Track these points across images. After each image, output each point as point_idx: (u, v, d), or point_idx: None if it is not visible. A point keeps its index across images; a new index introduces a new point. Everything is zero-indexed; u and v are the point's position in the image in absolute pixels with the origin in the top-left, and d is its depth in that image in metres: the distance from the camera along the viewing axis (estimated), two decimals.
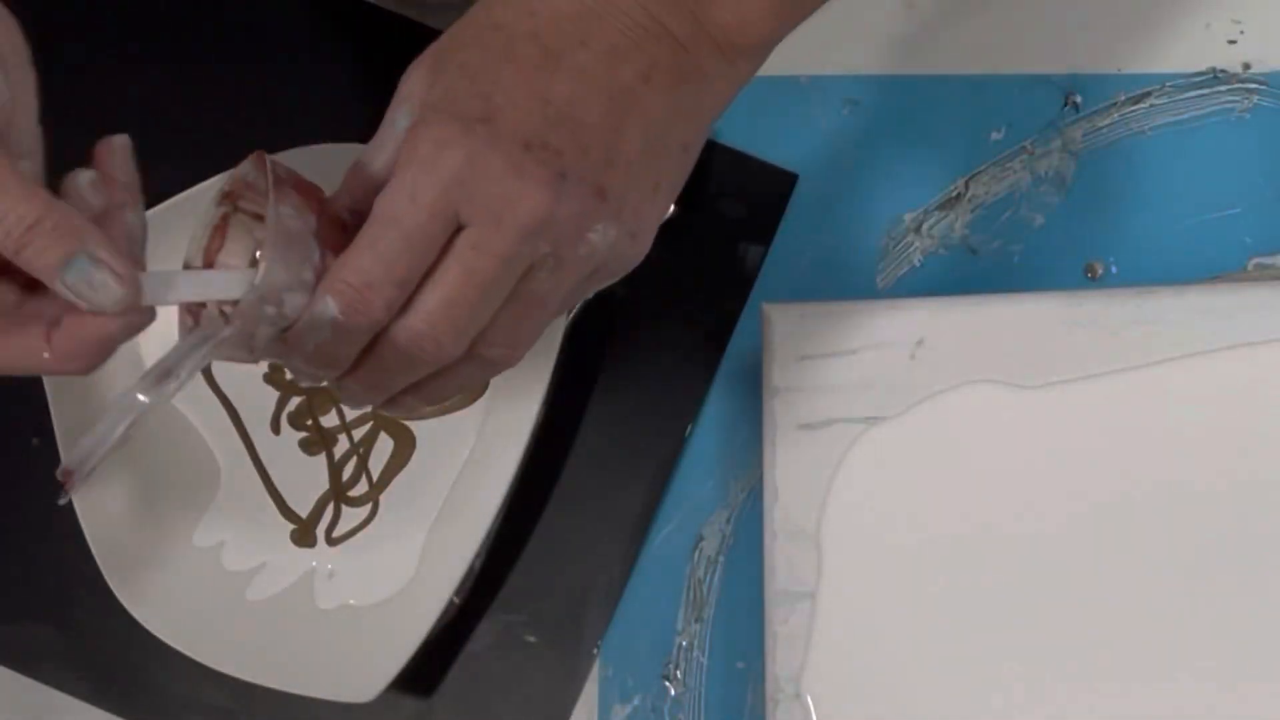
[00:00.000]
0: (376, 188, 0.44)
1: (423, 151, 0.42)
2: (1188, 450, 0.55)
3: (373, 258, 0.42)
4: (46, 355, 0.40)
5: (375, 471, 0.66)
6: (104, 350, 0.41)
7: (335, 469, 0.66)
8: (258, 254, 0.45)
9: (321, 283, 0.43)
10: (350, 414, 0.66)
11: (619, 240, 0.45)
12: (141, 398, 0.43)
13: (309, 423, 0.66)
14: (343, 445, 0.66)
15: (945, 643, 0.56)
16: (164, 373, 0.44)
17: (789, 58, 0.67)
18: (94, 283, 0.40)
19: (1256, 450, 0.55)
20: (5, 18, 0.43)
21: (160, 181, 0.64)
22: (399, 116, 0.45)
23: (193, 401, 0.66)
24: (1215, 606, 0.54)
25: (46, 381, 0.63)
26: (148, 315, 0.42)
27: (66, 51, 0.71)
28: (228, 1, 0.72)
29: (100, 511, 0.63)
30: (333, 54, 0.70)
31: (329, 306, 0.43)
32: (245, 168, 0.45)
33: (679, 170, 0.47)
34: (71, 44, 0.71)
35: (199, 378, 0.66)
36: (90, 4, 0.72)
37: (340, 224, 0.45)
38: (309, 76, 0.69)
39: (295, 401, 0.66)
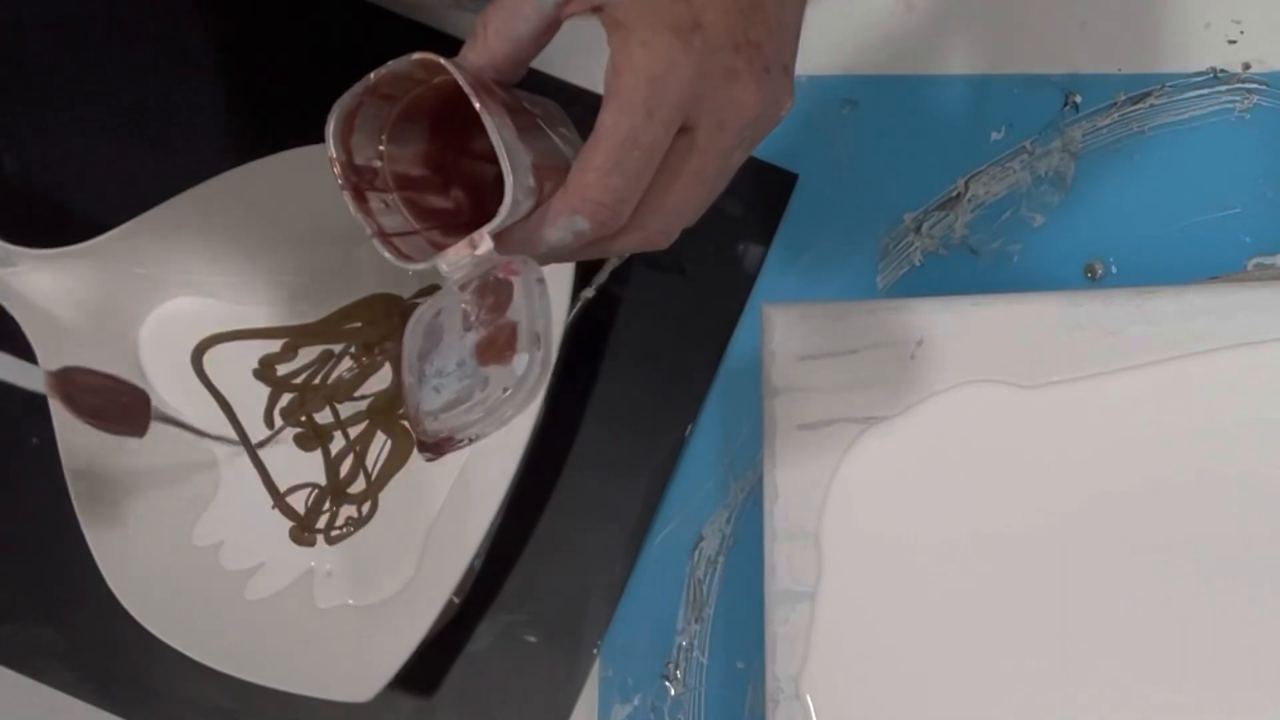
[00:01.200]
0: (518, 60, 0.46)
1: (648, 67, 0.43)
2: (1187, 450, 0.55)
3: (622, 178, 0.44)
4: None
5: (373, 469, 0.66)
6: None
7: (331, 465, 0.66)
8: (383, 135, 0.46)
9: (569, 200, 0.44)
10: (345, 412, 0.66)
11: (792, 103, 0.48)
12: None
13: (302, 419, 0.66)
14: (338, 441, 0.66)
15: (945, 642, 0.56)
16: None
17: None
18: None
19: (1256, 450, 0.55)
20: None
21: (160, 181, 0.64)
22: None
23: (190, 401, 0.66)
24: (1215, 605, 0.54)
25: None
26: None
27: (66, 52, 0.71)
28: (227, 2, 0.72)
29: (99, 512, 0.63)
30: (332, 54, 0.70)
31: (578, 222, 0.44)
32: (403, 63, 0.45)
33: (803, 13, 0.50)
34: (71, 44, 0.72)
35: (180, 372, 0.66)
36: (90, 4, 0.72)
37: (510, 107, 0.45)
38: (309, 76, 0.69)
39: (287, 398, 0.66)
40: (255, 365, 0.66)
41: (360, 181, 0.46)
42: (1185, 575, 0.55)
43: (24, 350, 0.63)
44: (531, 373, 0.43)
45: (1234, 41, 0.64)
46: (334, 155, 0.46)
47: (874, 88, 0.66)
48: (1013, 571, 0.56)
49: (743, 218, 0.66)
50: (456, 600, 0.63)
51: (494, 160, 0.44)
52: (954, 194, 0.65)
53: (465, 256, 0.45)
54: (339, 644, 0.63)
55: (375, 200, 0.47)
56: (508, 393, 0.44)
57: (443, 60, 0.44)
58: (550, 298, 0.44)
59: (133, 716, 0.66)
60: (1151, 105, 0.64)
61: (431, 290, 0.66)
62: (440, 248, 0.46)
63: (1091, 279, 0.63)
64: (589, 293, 0.64)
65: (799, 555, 0.57)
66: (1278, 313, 0.56)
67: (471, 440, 0.45)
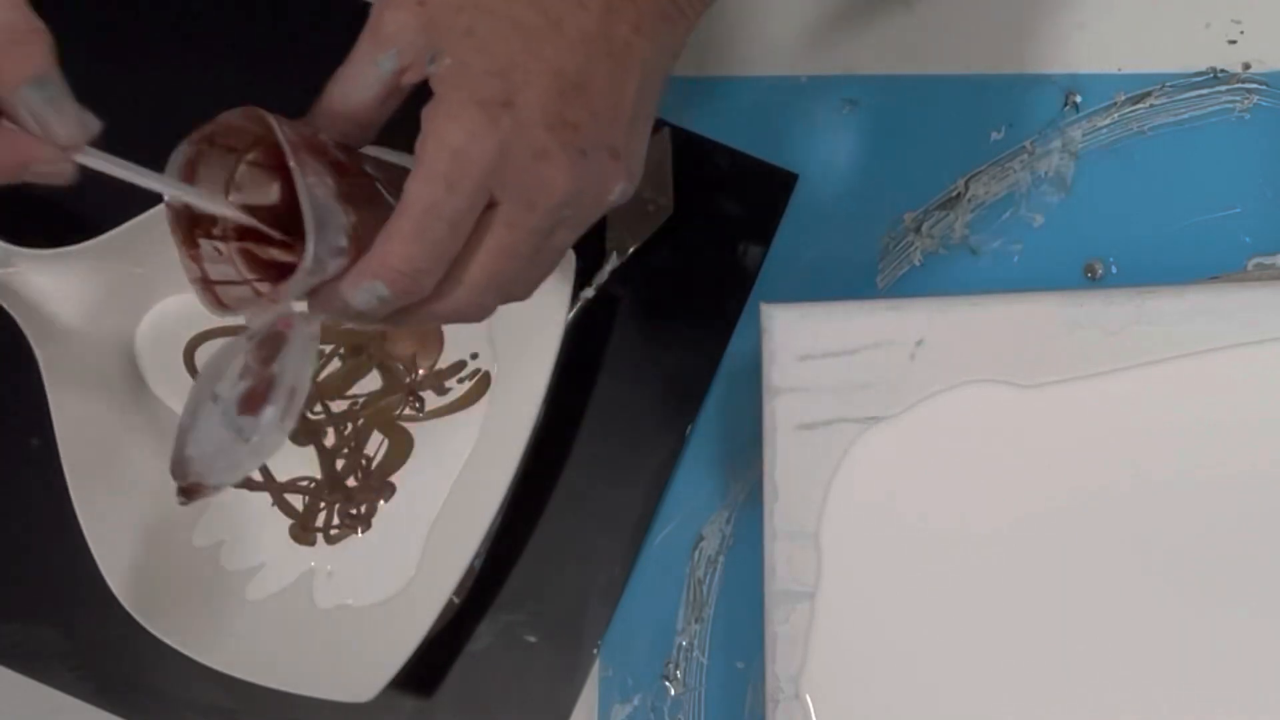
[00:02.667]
0: (361, 123, 0.47)
1: (454, 141, 0.44)
2: (1187, 450, 0.55)
3: (421, 247, 0.44)
4: None
5: (372, 467, 0.66)
6: (17, 168, 0.42)
7: (327, 459, 0.66)
8: (230, 186, 0.46)
9: (370, 266, 0.44)
10: (339, 406, 0.66)
11: (627, 188, 0.48)
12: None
13: None
14: (331, 437, 0.66)
15: (945, 643, 0.56)
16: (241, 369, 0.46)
17: (789, 58, 0.67)
18: (58, 109, 0.42)
19: (1257, 449, 0.55)
20: None
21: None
22: (382, 58, 0.46)
23: (185, 398, 0.66)
24: (1216, 605, 0.54)
25: (47, 382, 0.63)
26: (70, 171, 0.43)
27: (64, 52, 0.71)
28: (226, 2, 0.72)
29: (100, 511, 0.63)
30: (333, 54, 0.70)
31: (379, 288, 0.45)
32: (232, 116, 0.45)
33: (659, 99, 0.50)
34: (70, 44, 0.71)
35: (178, 371, 0.67)
36: (90, 4, 0.72)
37: (340, 167, 0.46)
38: (309, 77, 0.69)
39: None
40: None
41: (195, 228, 0.46)
42: (1185, 575, 0.55)
43: (24, 350, 0.63)
44: (272, 426, 0.45)
45: (1234, 41, 0.64)
46: (168, 201, 0.46)
47: (874, 88, 0.66)
48: (1013, 571, 0.56)
49: (743, 218, 0.66)
50: (456, 600, 0.63)
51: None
52: (954, 194, 0.65)
53: (265, 310, 0.46)
54: (339, 644, 0.63)
55: (207, 246, 0.46)
56: (249, 443, 0.45)
57: (266, 115, 0.44)
58: (315, 359, 0.45)
59: (133, 716, 0.66)
60: (1151, 105, 0.64)
61: None
62: (266, 297, 0.46)
63: (1091, 279, 0.63)
64: (589, 293, 0.64)
65: (799, 555, 0.57)
66: (1278, 313, 0.56)
67: (216, 489, 0.46)
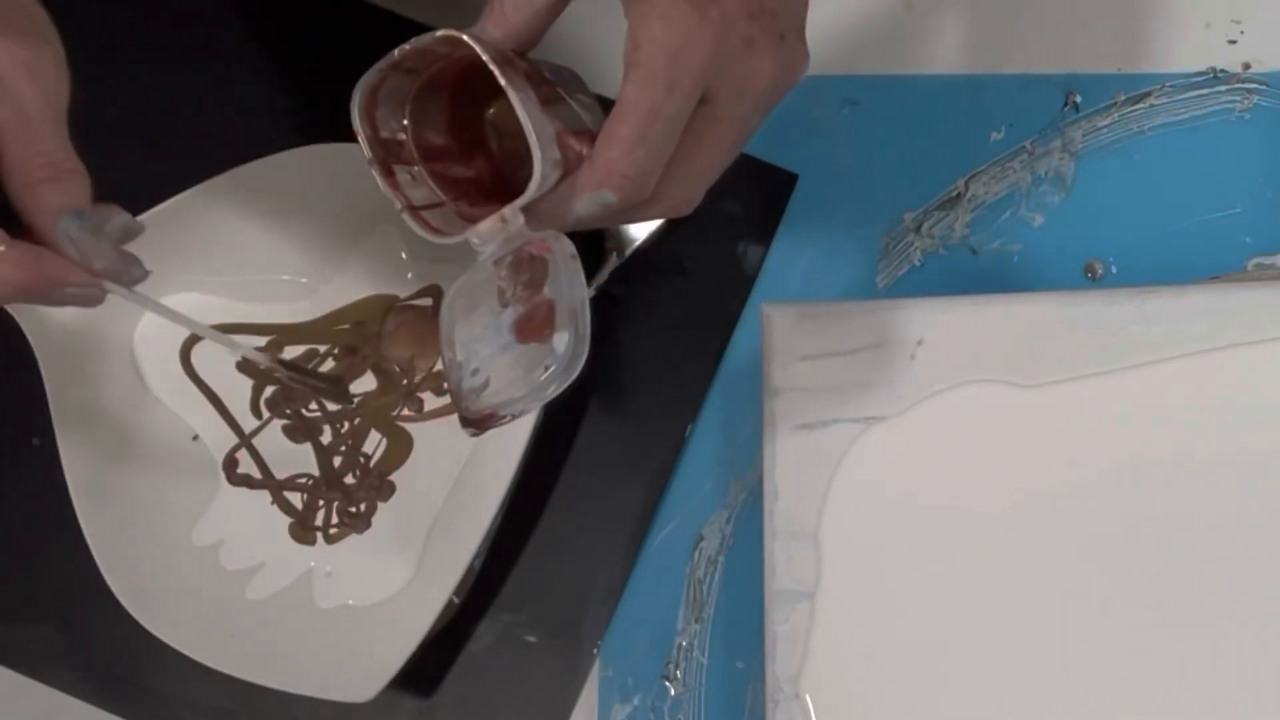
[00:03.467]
0: (535, 27, 0.46)
1: (670, 41, 0.44)
2: (1187, 449, 0.55)
3: (645, 151, 0.44)
4: (1, 249, 0.43)
5: (370, 465, 0.66)
6: (46, 288, 0.44)
7: (324, 456, 0.66)
8: (406, 108, 0.47)
9: (596, 174, 0.45)
10: (332, 406, 0.66)
11: (806, 68, 0.49)
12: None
13: (287, 411, 0.66)
14: (327, 435, 0.66)
15: (945, 642, 0.56)
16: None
17: None
18: (96, 238, 0.44)
19: (1256, 450, 0.55)
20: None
21: (160, 181, 0.64)
22: None
23: (183, 395, 0.67)
24: (1216, 604, 0.54)
25: (47, 382, 0.63)
26: (100, 296, 0.46)
27: (66, 53, 0.71)
28: (226, 2, 0.72)
29: (100, 511, 0.63)
30: (330, 54, 0.70)
31: (605, 195, 0.45)
32: (426, 40, 0.46)
33: None
34: (69, 44, 0.71)
35: (176, 371, 0.67)
36: (90, 4, 0.72)
37: (530, 76, 0.46)
38: (310, 77, 0.69)
39: (270, 390, 0.67)
40: (237, 358, 0.66)
41: (386, 155, 0.47)
42: (1186, 574, 0.55)
43: (24, 350, 0.63)
44: (571, 350, 0.44)
45: (1234, 41, 0.64)
46: (360, 129, 0.46)
47: (874, 88, 0.66)
48: (1012, 571, 0.56)
49: (743, 218, 0.66)
50: (456, 600, 0.63)
51: (514, 129, 0.44)
52: (954, 194, 0.65)
53: (497, 230, 0.46)
54: (339, 644, 0.63)
55: (401, 173, 0.47)
56: (549, 370, 0.45)
57: (466, 36, 0.44)
58: (579, 277, 0.45)
59: (133, 716, 0.66)
60: (1151, 105, 0.64)
61: (429, 291, 0.66)
62: (469, 219, 0.46)
63: (1091, 279, 0.63)
64: (589, 293, 0.64)
65: (799, 555, 0.57)
66: (1278, 313, 0.56)
67: (514, 416, 0.46)
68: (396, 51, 0.46)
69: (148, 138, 0.70)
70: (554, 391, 0.45)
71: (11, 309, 0.63)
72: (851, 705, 0.56)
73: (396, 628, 0.60)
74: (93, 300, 0.46)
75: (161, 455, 0.66)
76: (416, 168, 0.47)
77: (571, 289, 0.45)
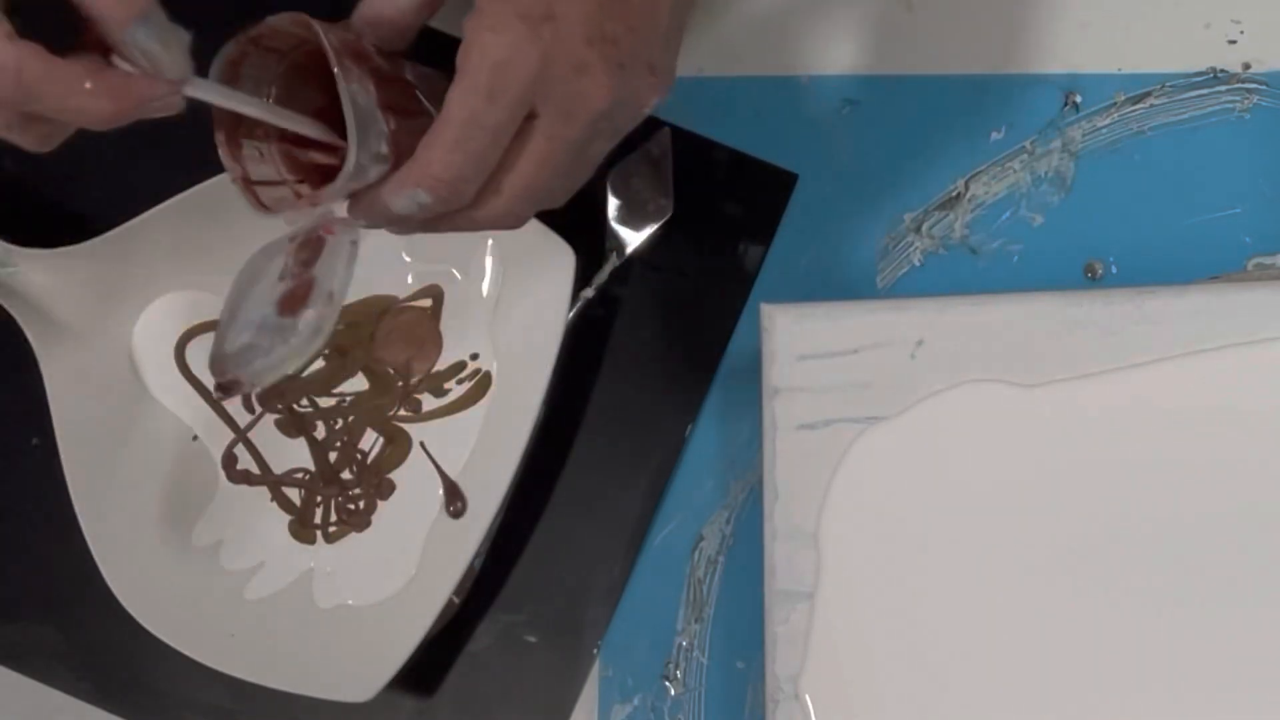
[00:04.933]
0: (400, 27, 0.47)
1: (496, 53, 0.45)
2: (1187, 449, 0.55)
3: (462, 156, 0.45)
4: (88, 85, 0.43)
5: (368, 462, 0.66)
6: (135, 108, 0.44)
7: (320, 452, 0.66)
8: (271, 87, 0.47)
9: (412, 173, 0.45)
10: (327, 402, 0.66)
11: (660, 101, 0.49)
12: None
13: (279, 406, 0.67)
14: (321, 430, 0.66)
15: (945, 642, 0.56)
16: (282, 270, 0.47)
17: (789, 58, 0.67)
18: (165, 44, 0.43)
19: (1256, 450, 0.55)
20: None
21: (160, 181, 0.64)
22: None
23: (180, 392, 0.67)
24: (1216, 603, 0.54)
25: (47, 382, 0.63)
26: (179, 103, 0.45)
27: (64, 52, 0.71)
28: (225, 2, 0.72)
29: (99, 511, 0.63)
30: None
31: (420, 195, 0.46)
32: (279, 20, 0.46)
33: (688, 15, 0.51)
34: (69, 44, 0.71)
35: (175, 371, 0.67)
36: None
37: (382, 74, 0.46)
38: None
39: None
40: None
41: (239, 128, 0.47)
42: (1185, 574, 0.55)
43: (24, 350, 0.63)
44: (311, 328, 0.46)
45: (1234, 41, 0.64)
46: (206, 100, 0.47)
47: (874, 88, 0.66)
48: (1012, 570, 0.56)
49: (743, 218, 0.66)
50: (456, 600, 0.63)
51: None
52: (954, 194, 0.65)
53: (305, 213, 0.47)
54: (339, 644, 0.63)
55: (249, 148, 0.48)
56: (288, 344, 0.46)
57: (312, 21, 0.45)
58: (355, 266, 0.46)
59: (133, 716, 0.66)
60: (1151, 105, 0.64)
61: (429, 291, 0.67)
62: (313, 201, 0.47)
63: (1091, 279, 0.63)
64: (589, 293, 0.64)
65: (799, 555, 0.57)
66: (1278, 313, 0.56)
67: (254, 387, 0.47)
68: (252, 28, 0.46)
69: (149, 137, 0.70)
70: (289, 366, 0.46)
71: (11, 308, 0.63)
72: (851, 705, 0.56)
73: (396, 628, 0.61)
74: (173, 107, 0.45)
75: (161, 455, 0.66)
76: (268, 146, 0.48)
77: (335, 272, 0.46)
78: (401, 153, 0.46)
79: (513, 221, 0.49)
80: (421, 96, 0.47)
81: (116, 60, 0.44)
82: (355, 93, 0.45)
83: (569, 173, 0.48)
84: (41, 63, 0.43)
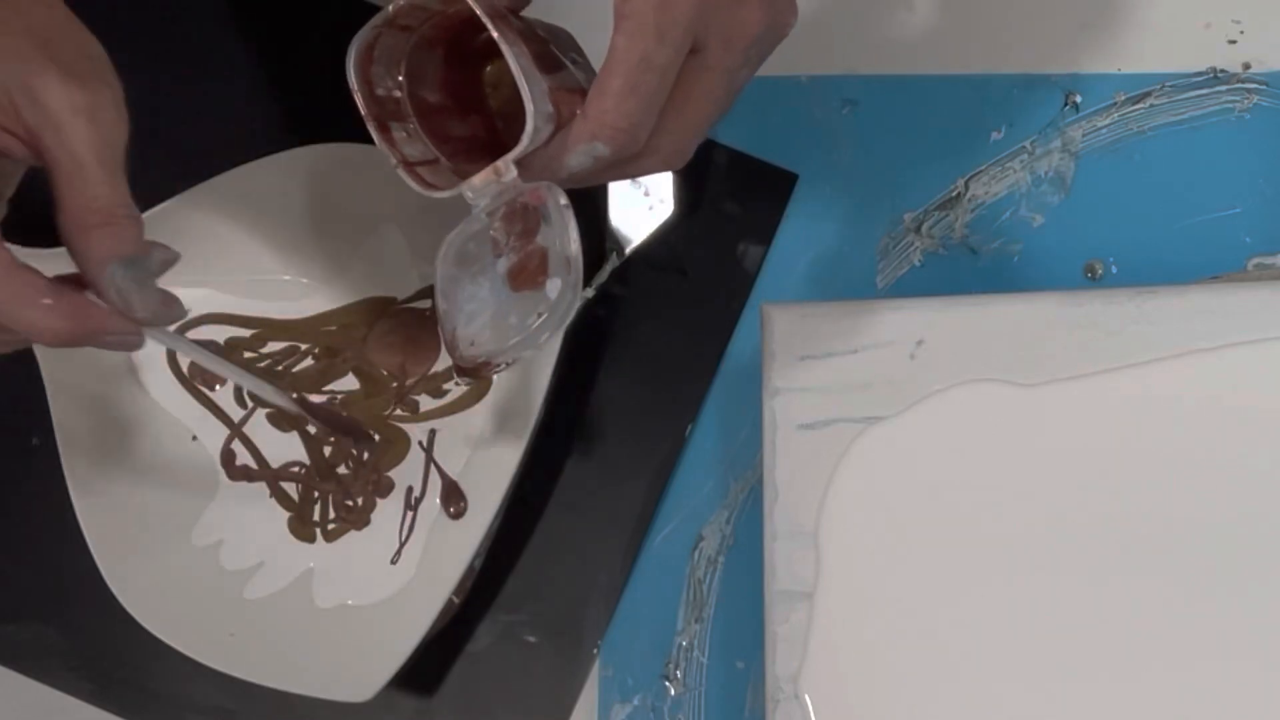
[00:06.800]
0: None
1: None
2: (1187, 449, 0.55)
3: (637, 101, 0.45)
4: (46, 301, 0.43)
5: (364, 458, 0.66)
6: (89, 336, 0.44)
7: (314, 446, 0.66)
8: (401, 64, 0.47)
9: (588, 126, 0.45)
10: (316, 398, 0.66)
11: (794, 22, 0.49)
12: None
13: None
14: (313, 425, 0.66)
15: (945, 642, 0.56)
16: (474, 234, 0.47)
17: (789, 58, 0.67)
18: (141, 288, 0.44)
19: (1256, 449, 0.55)
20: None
21: (160, 181, 0.64)
22: None
23: (184, 402, 0.67)
24: (1216, 602, 0.54)
25: (47, 382, 0.63)
26: (140, 342, 0.46)
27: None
28: (226, 2, 0.72)
29: (99, 511, 0.63)
30: (330, 54, 0.70)
31: (598, 148, 0.45)
32: None
33: None
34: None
35: (168, 369, 0.67)
36: (90, 3, 0.72)
37: (524, 33, 0.46)
38: (311, 77, 0.70)
39: None
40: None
41: (381, 112, 0.47)
42: (1185, 574, 0.55)
43: (24, 351, 0.63)
44: (565, 297, 0.45)
45: (1234, 41, 0.64)
46: (355, 86, 0.46)
47: (874, 88, 0.66)
48: (1012, 570, 0.56)
49: (743, 218, 0.66)
50: (456, 600, 0.63)
51: (508, 86, 0.45)
52: (954, 194, 0.65)
53: (491, 183, 0.46)
54: (339, 644, 0.63)
55: (397, 130, 0.48)
56: (542, 317, 0.45)
57: None
58: (572, 225, 0.45)
59: (133, 716, 0.66)
60: (1151, 105, 0.64)
61: (429, 292, 0.66)
62: (463, 176, 0.46)
63: (1091, 279, 0.63)
64: (589, 293, 0.64)
65: (799, 555, 0.57)
66: (1278, 313, 0.56)
67: (509, 364, 0.47)
68: (392, 7, 0.46)
69: (150, 138, 0.70)
70: (546, 338, 0.46)
71: None
72: (851, 705, 0.56)
73: (396, 628, 0.60)
74: (132, 345, 0.46)
75: (161, 455, 0.66)
76: (412, 124, 0.48)
77: (564, 237, 0.46)
78: (559, 108, 0.45)
79: (679, 161, 0.48)
80: (557, 51, 0.47)
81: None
82: (517, 55, 0.44)
83: (727, 104, 0.48)
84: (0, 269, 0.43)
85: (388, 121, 0.47)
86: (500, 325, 0.46)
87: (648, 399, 0.65)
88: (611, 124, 0.45)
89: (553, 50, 0.47)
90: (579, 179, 0.47)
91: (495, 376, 0.65)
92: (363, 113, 0.47)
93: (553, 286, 0.45)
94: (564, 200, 0.46)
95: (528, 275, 0.46)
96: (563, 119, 0.46)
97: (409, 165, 0.47)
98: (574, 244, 0.45)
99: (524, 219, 0.46)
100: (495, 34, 0.44)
